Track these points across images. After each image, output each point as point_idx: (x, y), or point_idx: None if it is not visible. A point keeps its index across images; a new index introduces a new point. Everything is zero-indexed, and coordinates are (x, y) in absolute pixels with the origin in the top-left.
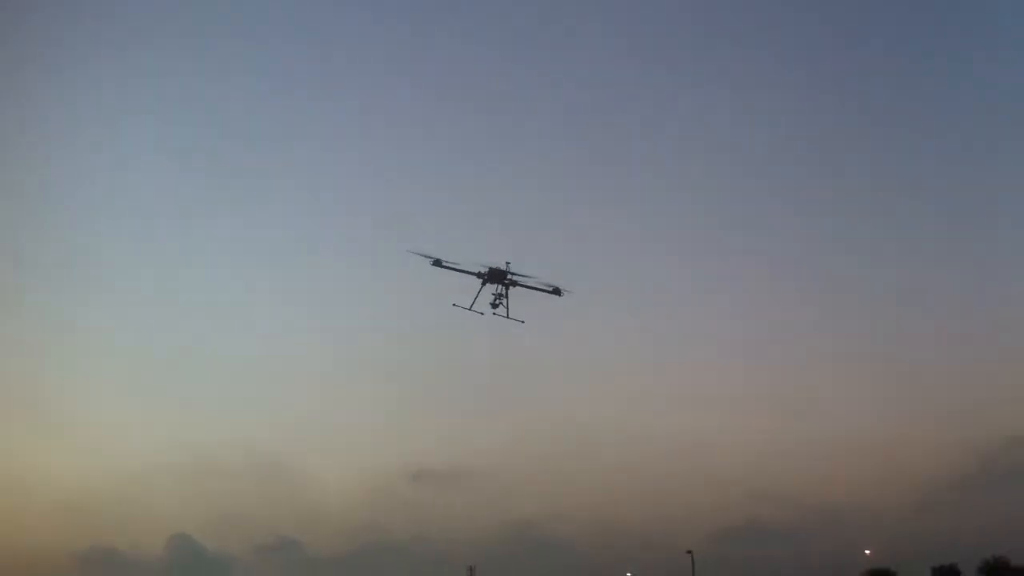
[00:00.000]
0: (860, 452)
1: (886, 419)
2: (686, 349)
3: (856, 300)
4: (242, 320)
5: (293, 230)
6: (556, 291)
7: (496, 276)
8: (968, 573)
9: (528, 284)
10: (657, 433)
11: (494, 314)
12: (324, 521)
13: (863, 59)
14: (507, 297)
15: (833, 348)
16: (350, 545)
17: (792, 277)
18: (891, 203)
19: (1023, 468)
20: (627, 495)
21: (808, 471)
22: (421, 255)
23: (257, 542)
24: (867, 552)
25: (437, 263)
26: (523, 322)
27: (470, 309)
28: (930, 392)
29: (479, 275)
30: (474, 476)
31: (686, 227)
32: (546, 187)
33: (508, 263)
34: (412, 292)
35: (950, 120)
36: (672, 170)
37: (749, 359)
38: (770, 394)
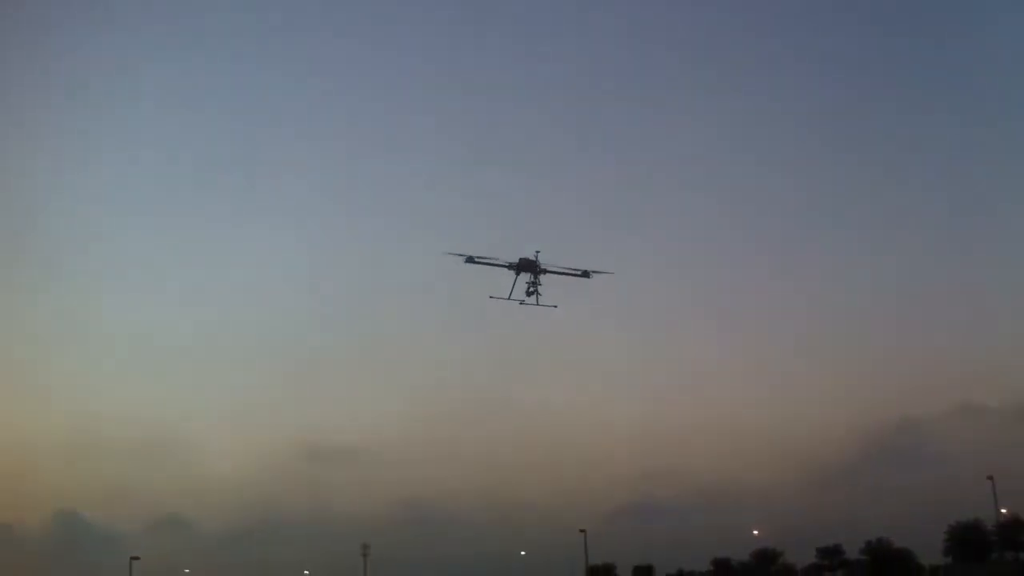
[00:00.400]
0: (753, 434)
1: (779, 402)
2: (584, 329)
3: (751, 283)
4: (134, 296)
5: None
6: (585, 274)
7: (528, 266)
8: (852, 554)
9: (557, 271)
10: (553, 413)
11: (522, 303)
12: (216, 498)
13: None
14: (540, 284)
15: (725, 331)
16: (243, 522)
17: (678, 263)
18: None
19: (910, 452)
20: (523, 473)
21: (702, 452)
22: (455, 254)
23: (147, 519)
24: (755, 532)
25: (470, 260)
26: (556, 307)
27: (509, 299)
28: (822, 376)
29: (511, 266)
30: (371, 453)
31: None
32: None
33: (537, 252)
34: (317, 273)
35: None
36: None
37: (646, 341)
38: (666, 376)
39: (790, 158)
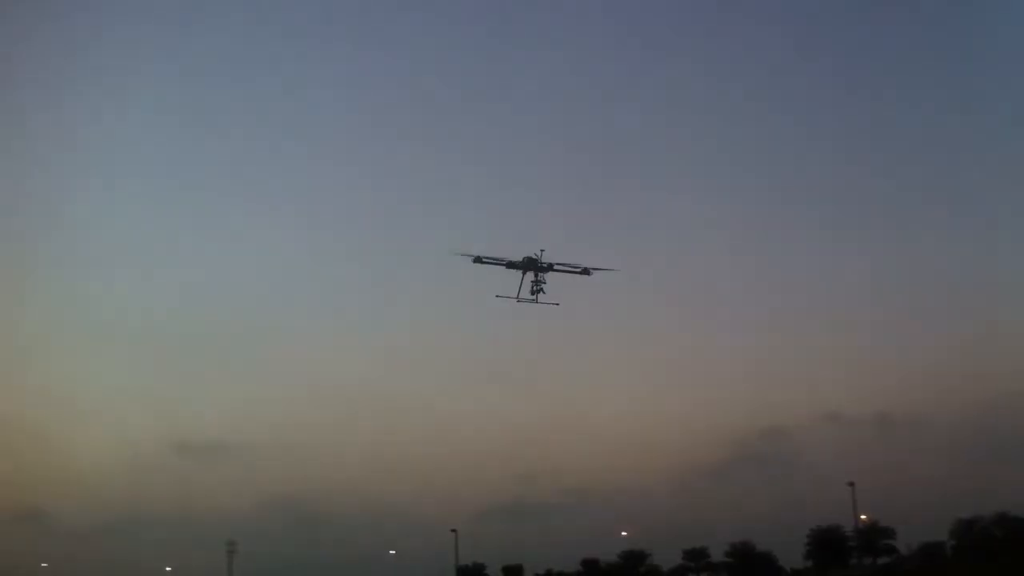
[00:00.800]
0: (627, 436)
1: (653, 405)
2: (455, 329)
3: (625, 288)
4: None
5: None
6: (585, 271)
7: (532, 264)
8: (718, 556)
9: (561, 268)
10: (426, 411)
11: (533, 300)
12: (78, 492)
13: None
14: (545, 283)
15: (601, 334)
16: (106, 517)
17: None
18: None
19: (777, 457)
20: (395, 472)
21: (575, 453)
22: (463, 255)
23: (2, 512)
24: (624, 533)
25: (478, 260)
26: (558, 304)
27: (518, 300)
28: (695, 381)
29: (514, 265)
30: (240, 449)
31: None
32: None
33: (542, 250)
34: (187, 264)
35: None
36: None
37: (517, 342)
38: (539, 376)
39: None
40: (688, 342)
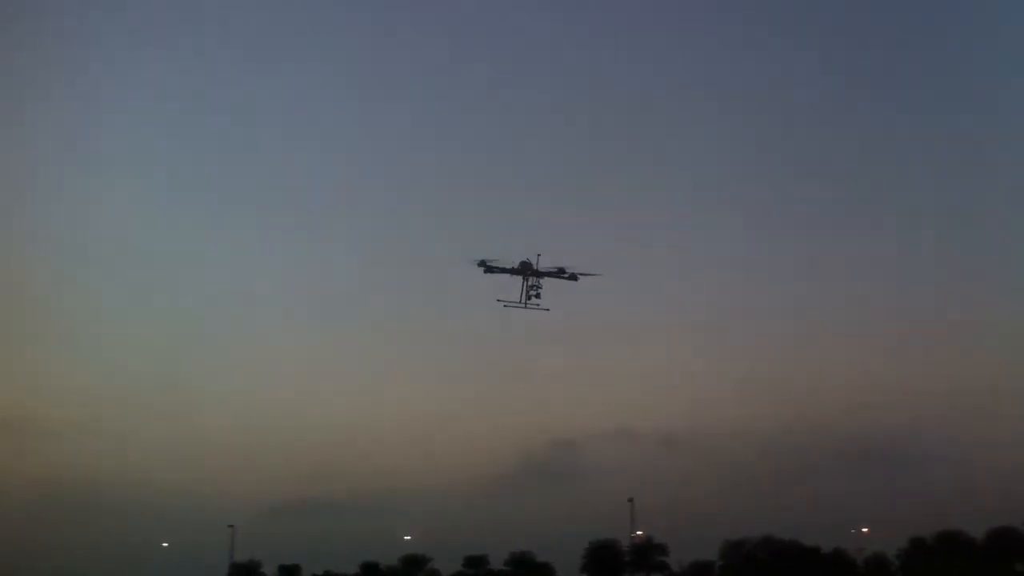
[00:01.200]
0: (419, 443)
1: (445, 413)
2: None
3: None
4: None
5: None
6: (572, 276)
7: (528, 269)
8: (498, 564)
9: (551, 274)
10: (221, 403)
11: (526, 306)
12: None
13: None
14: (540, 287)
15: (400, 344)
16: None
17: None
18: None
19: (562, 470)
20: (176, 462)
21: (369, 455)
22: (472, 262)
23: None
24: (407, 538)
25: (483, 264)
26: (548, 310)
27: (524, 306)
28: (490, 394)
29: (515, 271)
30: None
31: None
32: None
33: (539, 255)
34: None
35: None
36: None
37: (312, 339)
38: (335, 377)
39: None
40: (484, 356)
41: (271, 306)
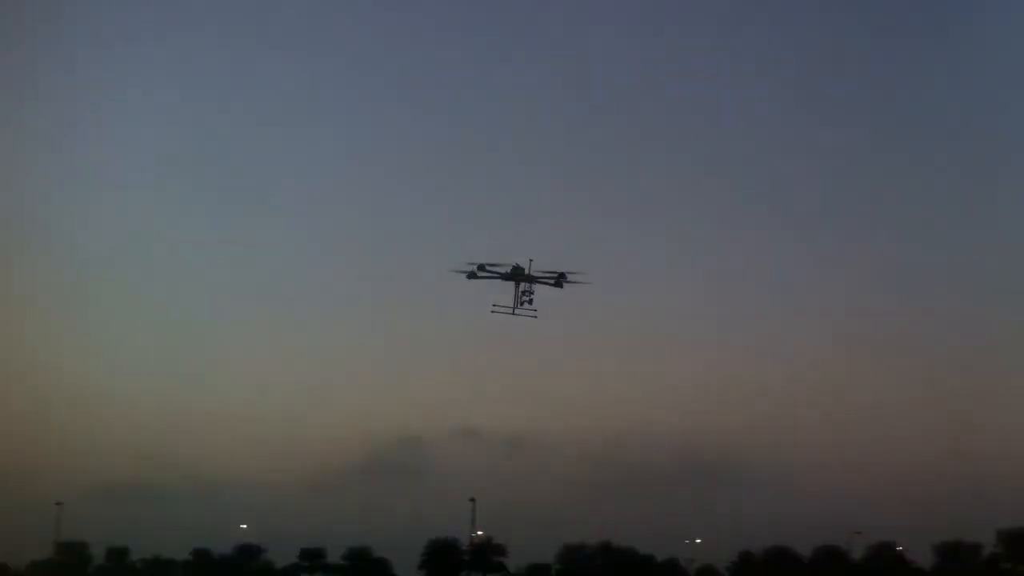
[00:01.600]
0: (264, 431)
1: (298, 404)
2: None
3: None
4: None
5: None
6: (558, 283)
7: (520, 274)
8: (336, 558)
9: (541, 278)
10: (54, 378)
11: (515, 313)
12: None
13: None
14: (532, 293)
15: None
16: None
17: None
18: None
19: (407, 465)
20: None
21: (208, 441)
22: (459, 271)
23: None
24: (244, 527)
25: (481, 267)
26: (536, 317)
27: (514, 313)
28: (340, 382)
29: (507, 276)
30: None
31: None
32: None
33: (531, 260)
34: None
35: None
36: None
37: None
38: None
39: None
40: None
41: None
